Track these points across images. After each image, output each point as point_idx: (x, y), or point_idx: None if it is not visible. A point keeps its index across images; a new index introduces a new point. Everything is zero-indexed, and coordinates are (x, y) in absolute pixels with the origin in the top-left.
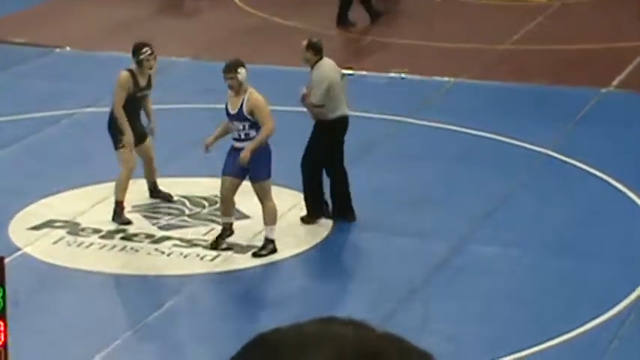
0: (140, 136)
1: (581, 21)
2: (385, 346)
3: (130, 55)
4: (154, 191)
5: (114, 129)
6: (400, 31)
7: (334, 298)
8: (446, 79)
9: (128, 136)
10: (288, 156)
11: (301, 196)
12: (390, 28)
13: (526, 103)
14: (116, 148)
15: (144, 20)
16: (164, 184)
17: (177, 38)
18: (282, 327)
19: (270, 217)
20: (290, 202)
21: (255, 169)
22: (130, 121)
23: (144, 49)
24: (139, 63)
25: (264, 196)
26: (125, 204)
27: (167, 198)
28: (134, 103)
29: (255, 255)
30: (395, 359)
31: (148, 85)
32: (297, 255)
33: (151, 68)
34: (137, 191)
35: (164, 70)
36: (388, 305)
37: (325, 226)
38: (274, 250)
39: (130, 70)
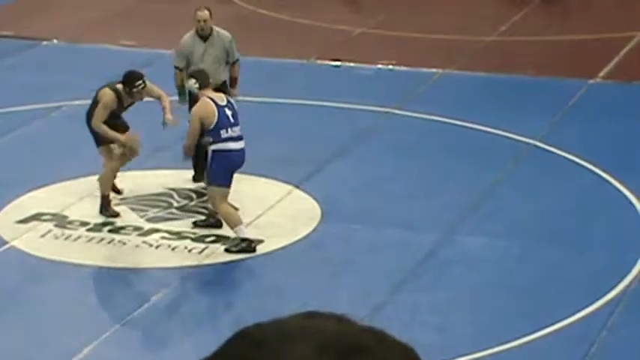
0: (122, 128)
1: (568, 12)
2: (367, 339)
3: (118, 47)
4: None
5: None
6: (388, 22)
7: (322, 289)
8: (434, 70)
9: (121, 139)
10: (273, 147)
11: (290, 187)
12: (378, 19)
13: (513, 95)
14: (98, 145)
15: (132, 12)
16: (152, 177)
17: (165, 30)
18: (264, 322)
19: (227, 221)
20: (278, 193)
21: (208, 172)
22: (113, 124)
23: (137, 83)
24: (129, 93)
25: (212, 203)
26: (111, 197)
27: (117, 192)
28: (117, 115)
29: (226, 250)
30: (377, 353)
31: (132, 103)
32: (285, 247)
33: (141, 99)
34: (124, 184)
35: (152, 62)
36: (377, 297)
37: (314, 217)
38: (250, 249)
39: (116, 91)
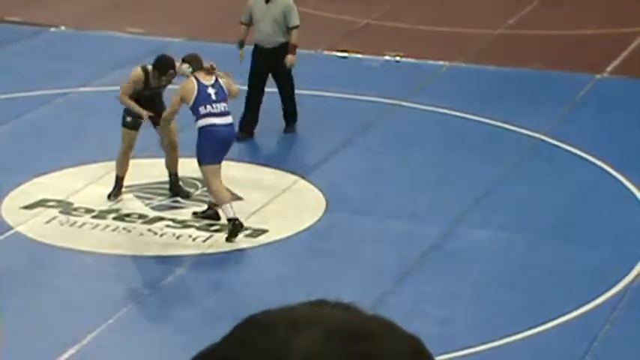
0: (160, 116)
1: (577, 6)
2: (375, 327)
3: (124, 34)
4: (174, 186)
5: (125, 108)
6: (396, 14)
7: (326, 280)
8: (440, 62)
9: (143, 113)
10: (279, 138)
11: (295, 177)
12: (386, 11)
13: (520, 88)
14: (122, 125)
15: (139, 0)
16: (157, 165)
17: (172, 18)
18: (272, 309)
19: (216, 198)
20: (283, 183)
21: (197, 151)
22: (149, 101)
23: (170, 72)
24: (159, 78)
25: (205, 180)
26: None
27: (186, 195)
28: (145, 97)
29: (227, 240)
30: (384, 341)
31: (160, 87)
32: (289, 237)
33: (169, 83)
34: (130, 172)
35: (159, 50)
36: (380, 288)
37: (318, 208)
38: (236, 229)
39: (145, 70)
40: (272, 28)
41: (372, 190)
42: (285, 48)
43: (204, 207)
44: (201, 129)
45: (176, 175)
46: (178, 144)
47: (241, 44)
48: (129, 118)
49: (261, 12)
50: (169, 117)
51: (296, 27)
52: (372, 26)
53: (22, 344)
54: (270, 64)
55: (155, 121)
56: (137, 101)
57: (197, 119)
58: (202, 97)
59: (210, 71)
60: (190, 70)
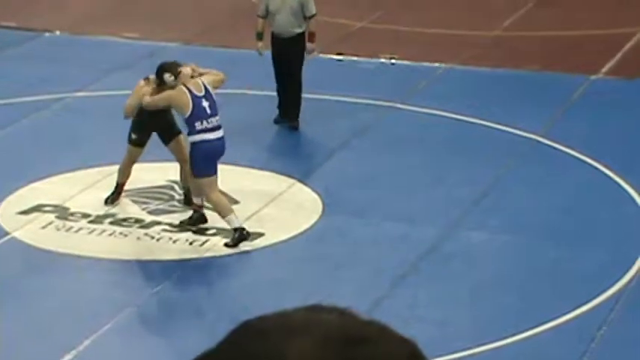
0: (169, 134)
1: (572, 7)
2: (370, 332)
3: (120, 38)
4: (187, 199)
5: (131, 125)
6: (391, 16)
7: (323, 283)
8: (436, 64)
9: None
10: (275, 141)
11: (292, 181)
12: (381, 13)
13: (516, 89)
14: (127, 141)
15: (134, 4)
16: (154, 169)
17: (168, 23)
18: (267, 314)
19: (218, 210)
20: (279, 187)
21: (190, 165)
22: (156, 119)
23: (165, 75)
24: (159, 85)
25: (203, 193)
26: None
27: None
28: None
29: (225, 245)
30: (379, 345)
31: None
32: (286, 240)
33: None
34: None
35: (154, 54)
36: (377, 291)
37: (315, 211)
38: (243, 237)
39: (147, 80)
40: (289, 19)
41: (369, 192)
42: (299, 39)
43: (190, 213)
44: (195, 144)
45: (189, 189)
46: None
47: (260, 36)
48: (134, 136)
49: (277, 3)
50: (150, 106)
51: (314, 15)
52: (367, 29)
53: (19, 349)
54: (285, 52)
55: (165, 138)
56: (142, 114)
57: (190, 134)
58: (199, 113)
59: (194, 76)
60: (173, 78)
